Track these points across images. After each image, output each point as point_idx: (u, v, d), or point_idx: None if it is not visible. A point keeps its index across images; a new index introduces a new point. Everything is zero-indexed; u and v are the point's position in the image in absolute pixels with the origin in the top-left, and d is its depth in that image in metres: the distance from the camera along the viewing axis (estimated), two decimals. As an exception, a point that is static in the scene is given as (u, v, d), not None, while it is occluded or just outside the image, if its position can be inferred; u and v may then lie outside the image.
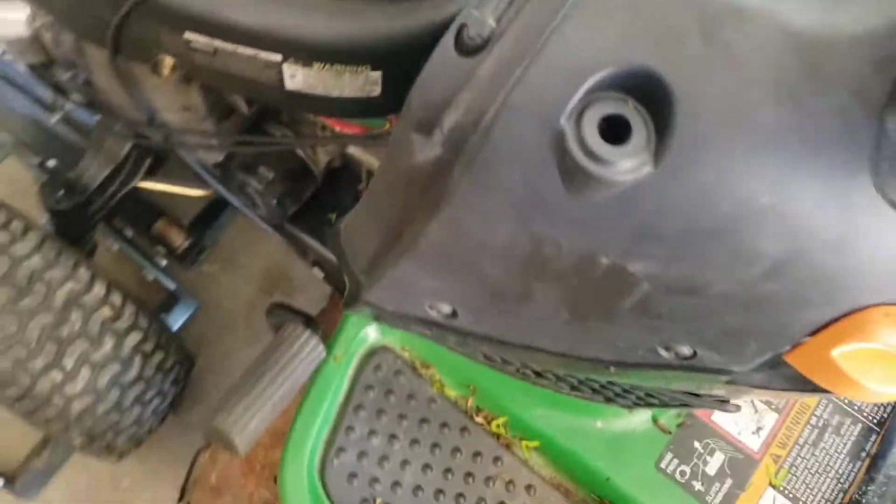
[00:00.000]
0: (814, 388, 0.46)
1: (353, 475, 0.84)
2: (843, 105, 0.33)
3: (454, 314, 0.51)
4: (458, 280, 0.46)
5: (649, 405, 0.76)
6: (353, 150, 0.88)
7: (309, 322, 0.74)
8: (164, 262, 1.44)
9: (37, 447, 1.37)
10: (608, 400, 0.79)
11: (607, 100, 0.34)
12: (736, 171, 0.33)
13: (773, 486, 0.86)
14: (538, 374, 0.81)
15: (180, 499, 1.15)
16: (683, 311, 0.41)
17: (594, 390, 0.78)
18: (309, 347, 0.71)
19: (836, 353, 0.40)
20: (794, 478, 0.86)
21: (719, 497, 0.85)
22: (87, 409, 0.99)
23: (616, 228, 0.36)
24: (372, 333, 0.88)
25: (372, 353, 0.89)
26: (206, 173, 0.88)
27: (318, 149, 0.86)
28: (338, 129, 0.75)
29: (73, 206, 1.09)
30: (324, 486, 0.83)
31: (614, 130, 0.34)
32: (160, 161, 1.29)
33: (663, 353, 0.46)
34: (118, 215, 1.40)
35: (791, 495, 0.85)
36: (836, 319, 0.39)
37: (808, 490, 0.86)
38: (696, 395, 0.66)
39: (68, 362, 0.97)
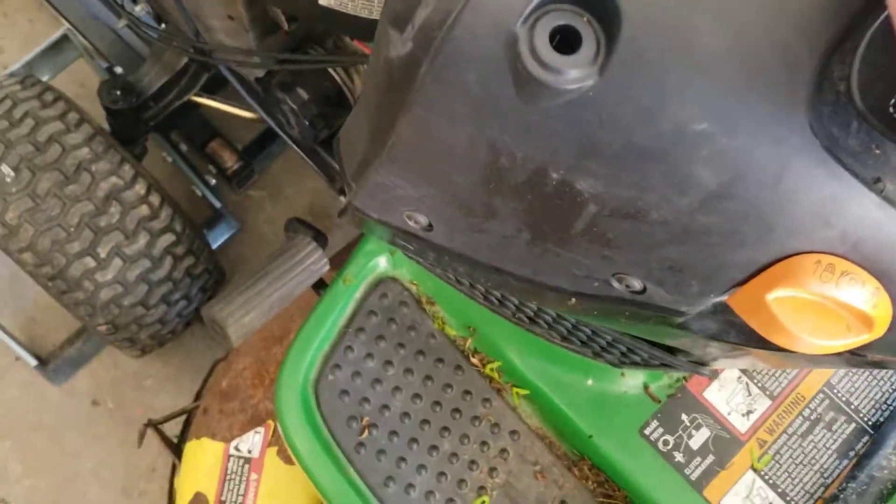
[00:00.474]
0: (763, 344, 0.47)
1: (344, 392, 0.88)
2: (788, 42, 0.34)
3: (430, 227, 0.53)
4: (430, 188, 0.49)
5: (634, 364, 0.78)
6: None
7: (318, 237, 0.77)
8: (213, 181, 1.51)
9: (72, 336, 1.46)
10: (596, 355, 0.81)
11: (563, 11, 0.36)
12: (673, 93, 0.35)
13: (755, 470, 0.86)
14: (532, 321, 0.84)
15: (194, 401, 1.22)
16: (629, 238, 0.43)
17: (582, 342, 0.80)
18: (312, 258, 0.75)
19: (770, 297, 0.41)
20: (777, 465, 0.87)
21: (698, 471, 0.86)
22: (114, 298, 1.06)
23: (563, 140, 0.38)
24: (383, 263, 0.92)
25: (380, 281, 0.92)
26: (245, 89, 0.92)
27: (354, 76, 0.89)
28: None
29: (127, 107, 1.15)
30: (316, 398, 0.87)
31: (566, 42, 0.36)
32: (222, 81, 1.35)
33: (616, 284, 0.48)
34: (175, 129, 1.46)
35: (771, 481, 0.86)
36: (770, 264, 0.41)
37: (789, 479, 0.86)
38: (673, 354, 0.68)
39: (102, 251, 1.03)
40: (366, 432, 0.87)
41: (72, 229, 1.01)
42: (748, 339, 0.48)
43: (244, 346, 1.18)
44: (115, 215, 1.04)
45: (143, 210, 1.07)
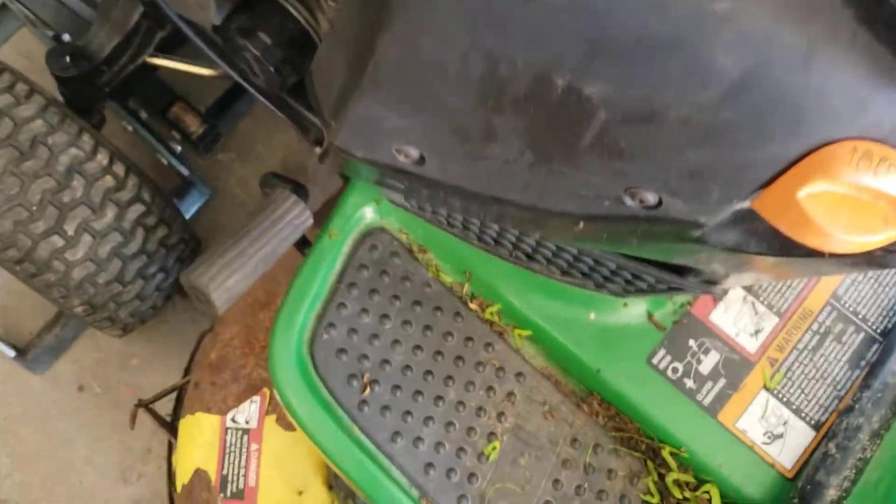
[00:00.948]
0: (788, 250, 0.44)
1: (341, 350, 0.85)
2: None
3: (422, 160, 0.50)
4: (420, 115, 0.45)
5: (638, 291, 0.76)
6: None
7: (297, 189, 0.74)
8: (178, 148, 1.45)
9: (49, 323, 1.42)
10: (598, 286, 0.79)
11: None
12: (690, -30, 0.32)
13: (768, 389, 0.85)
14: (530, 257, 0.81)
15: (184, 376, 1.19)
16: (643, 145, 0.40)
17: (584, 274, 0.78)
18: (294, 212, 0.71)
19: (802, 194, 0.39)
20: (789, 382, 0.86)
21: (710, 396, 0.85)
22: (87, 276, 1.02)
23: (568, 37, 0.35)
24: (369, 213, 0.88)
25: (368, 233, 0.89)
26: (202, 40, 0.87)
27: (318, 15, 0.84)
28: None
29: (79, 74, 1.09)
30: (312, 359, 0.85)
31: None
32: (179, 41, 1.29)
33: (629, 201, 0.45)
34: (133, 96, 1.40)
35: (785, 399, 0.85)
36: (801, 157, 0.38)
37: (802, 395, 0.85)
38: (681, 276, 0.66)
39: (69, 228, 0.99)
40: (367, 389, 0.85)
41: (34, 208, 0.96)
42: (771, 246, 0.45)
43: (230, 315, 1.14)
44: (79, 189, 0.99)
45: (108, 181, 1.02)
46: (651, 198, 0.44)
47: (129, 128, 1.43)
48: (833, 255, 0.44)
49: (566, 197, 0.47)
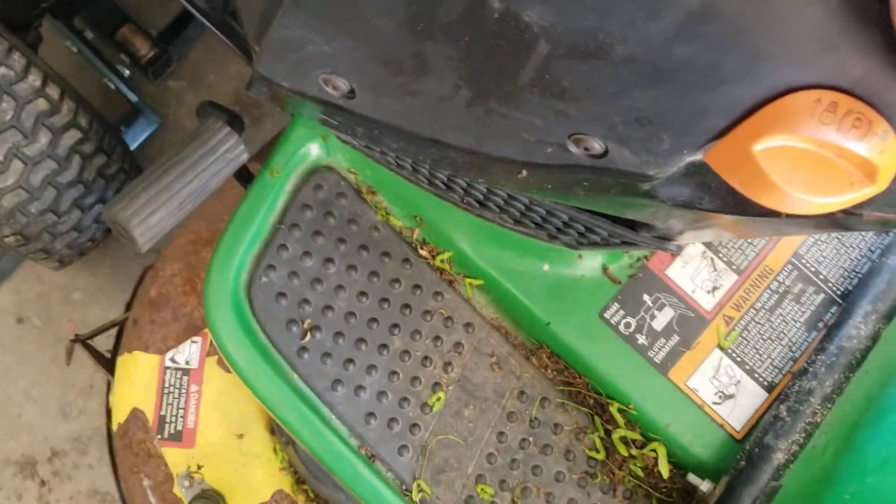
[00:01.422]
0: (743, 208, 0.41)
1: (281, 294, 0.81)
2: None
3: (352, 93, 0.45)
4: (346, 39, 0.40)
5: (592, 244, 0.72)
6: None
7: (233, 120, 0.68)
8: (126, 73, 1.38)
9: (-13, 252, 1.37)
10: (552, 237, 0.75)
11: None
12: None
13: (721, 349, 0.83)
14: (482, 205, 0.77)
15: (125, 311, 1.15)
16: (588, 84, 0.36)
17: (536, 224, 0.74)
18: (227, 145, 0.66)
19: (759, 148, 0.35)
20: (744, 342, 0.83)
21: (662, 353, 0.83)
22: (18, 205, 0.96)
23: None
24: (315, 150, 0.83)
25: (313, 171, 0.84)
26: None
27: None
28: None
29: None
30: (249, 302, 0.81)
31: None
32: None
33: (573, 148, 0.41)
34: (79, 15, 1.32)
35: (739, 359, 0.83)
36: (760, 106, 0.34)
37: (757, 355, 0.83)
38: (635, 230, 0.62)
39: (-2, 154, 0.93)
40: (308, 335, 0.81)
41: (-42, 130, 0.90)
42: (725, 204, 0.42)
43: (171, 251, 1.09)
44: (8, 112, 0.93)
45: (41, 104, 0.96)
46: (597, 146, 0.40)
47: (74, 49, 1.35)
48: (791, 217, 0.40)
49: (507, 141, 0.43)
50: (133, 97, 1.38)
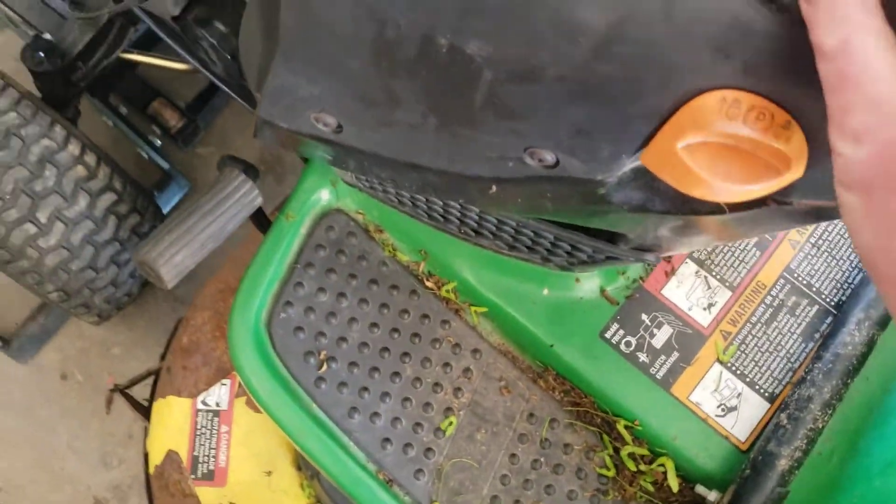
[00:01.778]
0: (689, 207, 0.45)
1: (299, 328, 0.86)
2: None
3: (339, 128, 0.51)
4: (328, 81, 0.46)
5: (582, 263, 0.76)
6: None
7: (248, 170, 0.75)
8: (158, 142, 1.47)
9: (33, 312, 1.44)
10: (544, 260, 0.80)
11: None
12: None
13: (721, 362, 0.86)
14: (477, 233, 0.82)
15: (161, 359, 1.20)
16: (531, 104, 0.41)
17: (528, 248, 0.79)
18: (242, 191, 0.72)
19: (681, 146, 0.39)
20: (743, 355, 0.86)
21: (664, 370, 0.86)
22: (60, 263, 1.04)
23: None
24: (326, 195, 0.89)
25: (325, 214, 0.90)
26: (165, 31, 0.88)
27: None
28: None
29: (53, 69, 1.11)
30: (270, 337, 0.86)
31: None
32: (155, 38, 1.30)
33: (529, 160, 0.46)
34: (114, 92, 1.42)
35: (738, 372, 0.85)
36: (675, 110, 0.39)
37: (756, 367, 0.85)
38: (614, 244, 0.66)
39: (42, 216, 1.00)
40: (324, 366, 0.86)
41: (7, 196, 0.98)
42: (673, 203, 0.46)
43: (201, 300, 1.15)
44: (51, 178, 1.01)
45: (80, 171, 1.04)
46: (549, 157, 0.45)
47: (110, 123, 1.45)
48: (733, 210, 0.44)
49: (474, 160, 0.48)
50: (164, 164, 1.47)
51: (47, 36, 1.30)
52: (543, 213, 0.58)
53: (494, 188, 0.50)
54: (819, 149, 0.39)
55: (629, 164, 0.44)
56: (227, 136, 1.60)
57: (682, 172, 0.41)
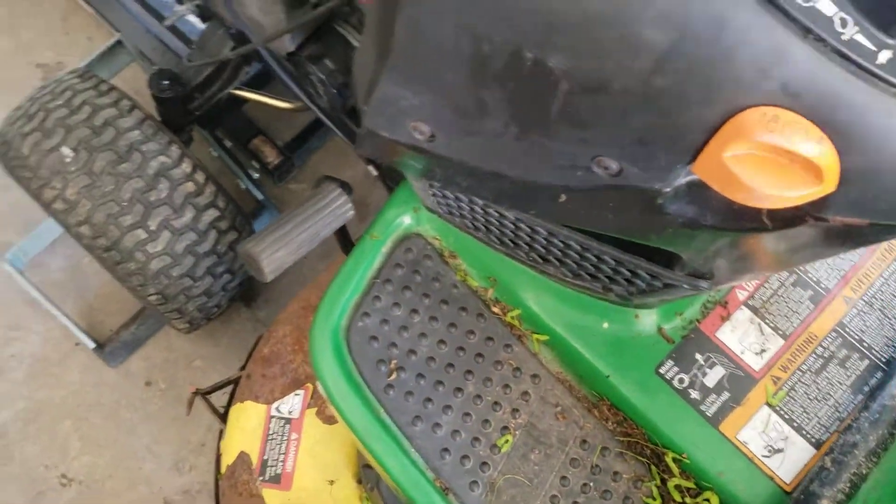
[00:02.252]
0: (736, 221, 0.51)
1: (373, 337, 0.93)
2: None
3: (432, 137, 0.59)
4: (428, 92, 0.54)
5: (641, 293, 0.81)
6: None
7: (344, 186, 0.83)
8: (256, 175, 1.59)
9: (127, 321, 1.55)
10: (605, 289, 0.85)
11: None
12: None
13: (770, 405, 0.89)
14: (544, 259, 0.88)
15: (241, 370, 1.29)
16: (599, 113, 0.48)
17: (591, 275, 0.84)
18: (338, 203, 0.81)
19: (727, 155, 0.46)
20: (791, 400, 0.89)
21: (714, 408, 0.89)
22: (163, 268, 1.14)
23: (530, 16, 0.44)
24: (407, 220, 0.97)
25: (406, 237, 0.97)
26: (278, 65, 0.99)
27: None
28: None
29: (174, 97, 1.24)
30: (347, 342, 0.93)
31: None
32: (261, 81, 1.44)
33: (596, 169, 0.53)
34: (221, 127, 1.56)
35: (787, 416, 0.88)
36: (724, 122, 0.45)
37: (804, 413, 0.88)
38: (671, 268, 0.72)
39: (152, 224, 1.11)
40: (394, 374, 0.92)
41: (125, 203, 1.09)
42: (721, 218, 0.52)
43: (284, 316, 1.24)
44: (164, 191, 1.12)
45: (189, 186, 1.15)
46: (613, 165, 0.51)
47: (215, 154, 1.58)
48: (775, 226, 0.50)
49: (547, 168, 0.55)
50: (259, 195, 1.58)
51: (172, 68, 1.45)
52: (605, 227, 0.64)
53: (563, 197, 0.57)
54: (851, 167, 0.45)
55: (683, 178, 0.50)
56: (319, 175, 1.72)
57: (727, 179, 0.47)
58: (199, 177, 1.16)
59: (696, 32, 0.42)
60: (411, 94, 0.56)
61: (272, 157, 1.58)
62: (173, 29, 1.52)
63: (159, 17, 1.55)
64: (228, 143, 1.56)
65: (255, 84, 1.44)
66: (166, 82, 1.23)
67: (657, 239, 0.63)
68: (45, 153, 1.09)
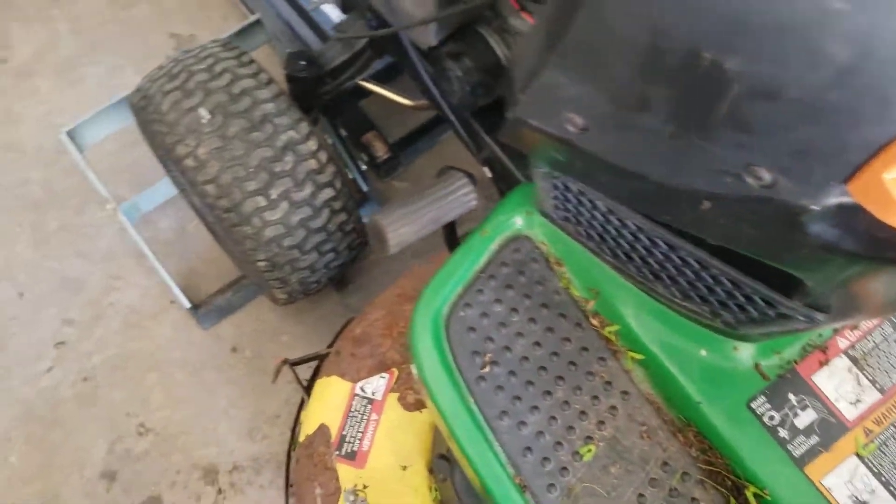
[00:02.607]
0: (878, 248, 0.52)
1: (472, 328, 0.96)
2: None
3: (585, 129, 0.62)
4: (592, 83, 0.57)
5: (751, 322, 0.82)
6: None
7: (470, 177, 0.87)
8: (364, 167, 1.65)
9: (224, 286, 1.62)
10: (714, 314, 0.86)
11: None
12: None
13: (859, 456, 0.88)
14: (656, 277, 0.90)
15: (329, 347, 1.33)
16: (765, 119, 0.50)
17: (702, 298, 0.85)
18: (464, 190, 0.85)
19: (888, 177, 0.47)
20: (882, 455, 0.88)
21: (802, 449, 0.89)
22: (276, 237, 1.19)
23: (717, 14, 0.47)
24: (519, 221, 1.00)
25: (515, 238, 1.00)
26: (417, 55, 1.04)
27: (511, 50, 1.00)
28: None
29: (308, 77, 1.31)
30: (446, 328, 0.96)
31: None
32: (386, 76, 1.50)
33: (747, 178, 0.55)
34: (340, 117, 1.62)
35: (875, 470, 0.87)
36: (890, 142, 0.47)
37: (894, 469, 0.87)
38: (789, 297, 0.72)
39: (273, 193, 1.17)
40: (487, 367, 0.94)
41: (251, 170, 1.15)
42: (863, 245, 0.53)
43: (380, 300, 1.28)
44: (289, 164, 1.18)
45: (312, 163, 1.20)
46: (766, 175, 0.53)
47: (330, 141, 1.64)
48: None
49: (695, 172, 0.57)
50: (364, 187, 1.64)
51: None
52: (737, 243, 0.66)
53: (706, 204, 0.59)
54: None
55: (835, 197, 0.52)
56: (422, 176, 1.78)
57: (884, 201, 0.48)
58: (322, 156, 1.22)
59: (882, 52, 0.44)
60: (574, 83, 0.59)
61: (382, 152, 1.63)
62: (305, 16, 1.60)
63: (293, 3, 1.63)
64: (343, 133, 1.63)
65: (379, 79, 1.50)
66: (303, 63, 1.30)
67: (790, 260, 0.64)
68: (183, 112, 1.16)
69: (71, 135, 1.49)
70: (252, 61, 1.25)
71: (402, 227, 0.81)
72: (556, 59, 0.58)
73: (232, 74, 1.20)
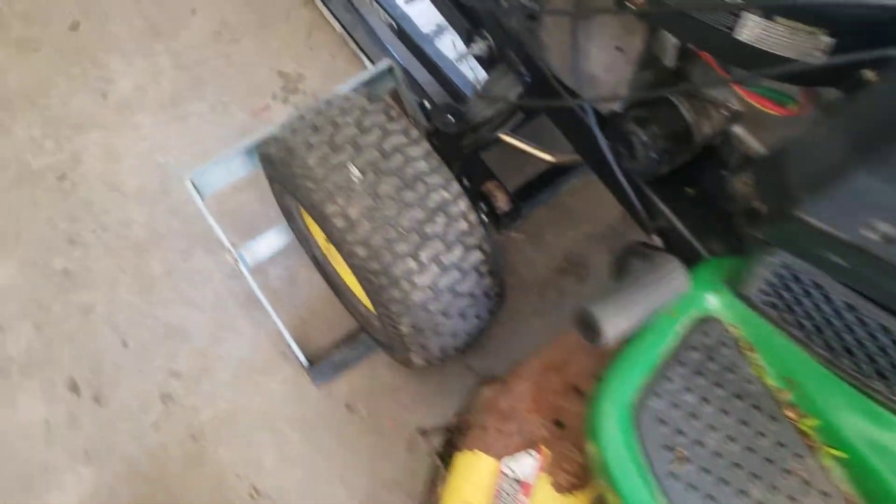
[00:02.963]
0: None
1: (662, 421, 0.91)
2: None
3: (892, 241, 0.57)
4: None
5: None
6: (739, 131, 0.97)
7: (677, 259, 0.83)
8: (483, 218, 1.61)
9: (340, 340, 1.59)
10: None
11: None
12: None
13: None
14: (880, 374, 0.84)
15: (456, 418, 1.29)
16: None
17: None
18: (675, 274, 0.81)
19: None
20: None
21: None
22: (423, 301, 1.16)
23: None
24: (711, 301, 0.96)
25: (704, 319, 0.96)
26: (592, 116, 1.01)
27: (703, 119, 0.96)
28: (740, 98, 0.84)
29: (453, 132, 1.28)
30: (636, 419, 0.91)
31: None
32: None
33: None
34: (462, 165, 1.59)
35: None
36: None
37: None
38: None
39: (423, 255, 1.14)
40: (678, 463, 0.90)
41: (402, 231, 1.12)
42: None
43: (523, 370, 1.24)
44: (440, 225, 1.15)
45: (463, 225, 1.17)
46: None
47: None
48: None
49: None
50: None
51: (426, 103, 1.51)
52: None
53: None
54: None
55: None
56: (541, 228, 1.74)
57: None
58: (472, 217, 1.19)
59: None
60: (888, 189, 0.54)
61: (503, 202, 1.59)
62: (431, 66, 1.58)
63: (415, 49, 1.62)
64: (465, 182, 1.59)
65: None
66: (450, 116, 1.27)
67: None
68: (331, 168, 1.14)
69: (192, 181, 1.48)
70: (401, 116, 1.22)
71: (618, 317, 0.77)
72: (872, 163, 0.54)
73: (382, 130, 1.18)
